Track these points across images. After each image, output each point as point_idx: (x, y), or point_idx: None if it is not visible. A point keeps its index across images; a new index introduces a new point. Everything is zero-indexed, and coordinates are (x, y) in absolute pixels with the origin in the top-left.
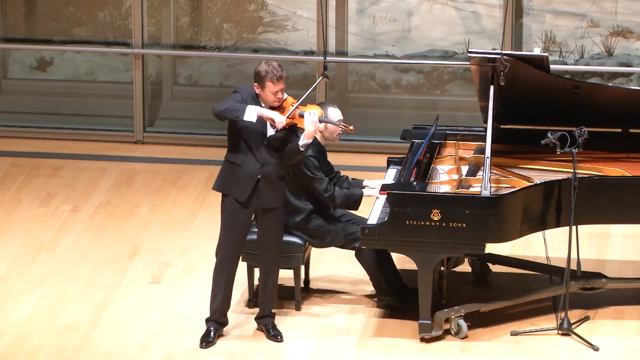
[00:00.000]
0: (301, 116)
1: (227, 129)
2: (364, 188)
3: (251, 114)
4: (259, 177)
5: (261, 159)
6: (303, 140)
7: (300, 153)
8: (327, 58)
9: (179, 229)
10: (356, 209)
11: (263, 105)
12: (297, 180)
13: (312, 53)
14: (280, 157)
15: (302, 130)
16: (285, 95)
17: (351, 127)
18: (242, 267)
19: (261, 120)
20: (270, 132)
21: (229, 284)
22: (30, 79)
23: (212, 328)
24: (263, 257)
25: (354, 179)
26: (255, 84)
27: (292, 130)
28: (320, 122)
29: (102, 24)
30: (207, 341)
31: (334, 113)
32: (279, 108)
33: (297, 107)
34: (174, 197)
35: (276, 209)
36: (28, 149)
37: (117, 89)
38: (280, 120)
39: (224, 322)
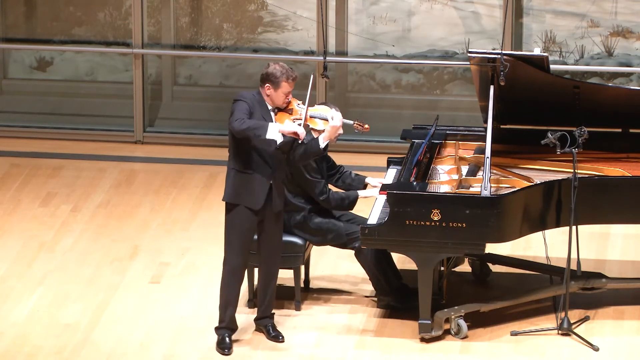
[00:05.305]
0: (314, 117)
1: (230, 137)
2: (365, 186)
3: (273, 132)
4: (271, 182)
5: (273, 164)
6: (324, 142)
7: (322, 154)
8: (327, 58)
9: (179, 229)
10: (351, 209)
11: (270, 107)
12: (294, 180)
13: (312, 53)
14: (286, 159)
15: (311, 130)
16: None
17: (366, 126)
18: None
19: None
20: (279, 139)
21: (239, 292)
22: (30, 79)
23: (225, 334)
24: (267, 260)
25: (357, 174)
26: (267, 85)
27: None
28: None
29: (102, 24)
30: (227, 347)
31: None
32: (287, 110)
33: (307, 109)
34: (174, 197)
35: (281, 213)
36: (28, 149)
37: (117, 89)
38: (302, 132)
39: (236, 328)
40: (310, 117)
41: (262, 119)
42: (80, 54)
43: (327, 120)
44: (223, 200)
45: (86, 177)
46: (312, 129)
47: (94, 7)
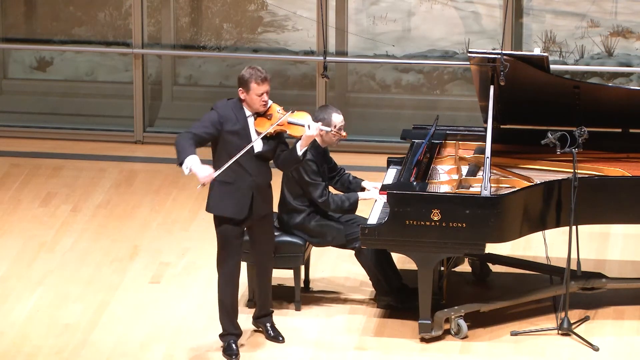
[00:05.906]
0: (294, 124)
1: (212, 147)
2: (363, 189)
3: (185, 165)
4: (253, 191)
5: (252, 171)
6: (301, 150)
7: (301, 162)
8: (327, 58)
9: (179, 229)
10: (353, 212)
11: (249, 114)
12: (294, 181)
13: (312, 53)
14: (267, 164)
15: (290, 136)
16: (270, 102)
17: (344, 134)
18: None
19: (247, 133)
20: (258, 145)
21: (237, 298)
22: (30, 79)
23: (231, 340)
24: (260, 259)
25: (354, 177)
26: (240, 89)
27: (280, 139)
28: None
29: (102, 24)
30: (234, 354)
31: (337, 119)
32: (266, 115)
33: (286, 114)
34: (174, 197)
35: (269, 214)
36: (28, 149)
37: (117, 89)
38: (204, 176)
39: (241, 332)
40: (289, 123)
41: (237, 125)
42: (80, 54)
43: (304, 127)
44: (206, 211)
45: (86, 177)
46: (292, 135)
47: (94, 7)
